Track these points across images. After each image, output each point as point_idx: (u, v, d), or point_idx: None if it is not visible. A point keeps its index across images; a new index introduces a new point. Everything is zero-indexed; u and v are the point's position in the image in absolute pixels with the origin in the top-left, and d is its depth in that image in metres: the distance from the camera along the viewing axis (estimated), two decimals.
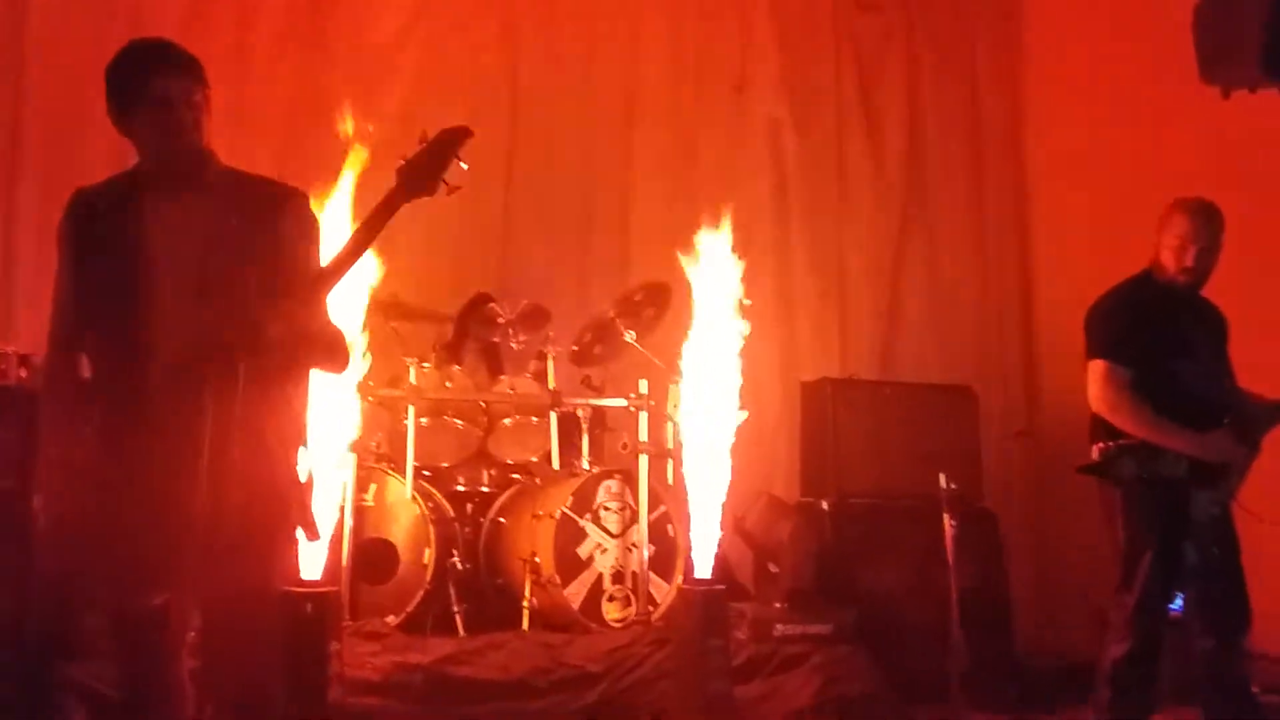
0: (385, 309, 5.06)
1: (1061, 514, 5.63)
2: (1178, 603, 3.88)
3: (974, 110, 6.91)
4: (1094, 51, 6.10)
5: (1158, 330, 3.82)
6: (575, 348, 5.42)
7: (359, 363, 4.63)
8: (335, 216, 4.10)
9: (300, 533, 2.68)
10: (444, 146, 2.58)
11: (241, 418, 2.47)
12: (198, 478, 2.43)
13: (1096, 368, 3.80)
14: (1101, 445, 3.83)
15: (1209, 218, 3.89)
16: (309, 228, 2.75)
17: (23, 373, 4.20)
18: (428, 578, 4.63)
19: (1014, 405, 6.30)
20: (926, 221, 6.79)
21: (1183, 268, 3.86)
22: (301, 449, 2.68)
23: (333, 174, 5.26)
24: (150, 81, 2.60)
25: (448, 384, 5.13)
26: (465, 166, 2.59)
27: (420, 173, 2.56)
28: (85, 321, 2.64)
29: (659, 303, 5.23)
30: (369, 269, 4.65)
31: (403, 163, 2.57)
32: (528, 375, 5.34)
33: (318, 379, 2.83)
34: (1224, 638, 3.83)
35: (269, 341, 2.51)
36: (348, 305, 4.33)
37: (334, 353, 2.73)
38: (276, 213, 2.67)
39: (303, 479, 2.69)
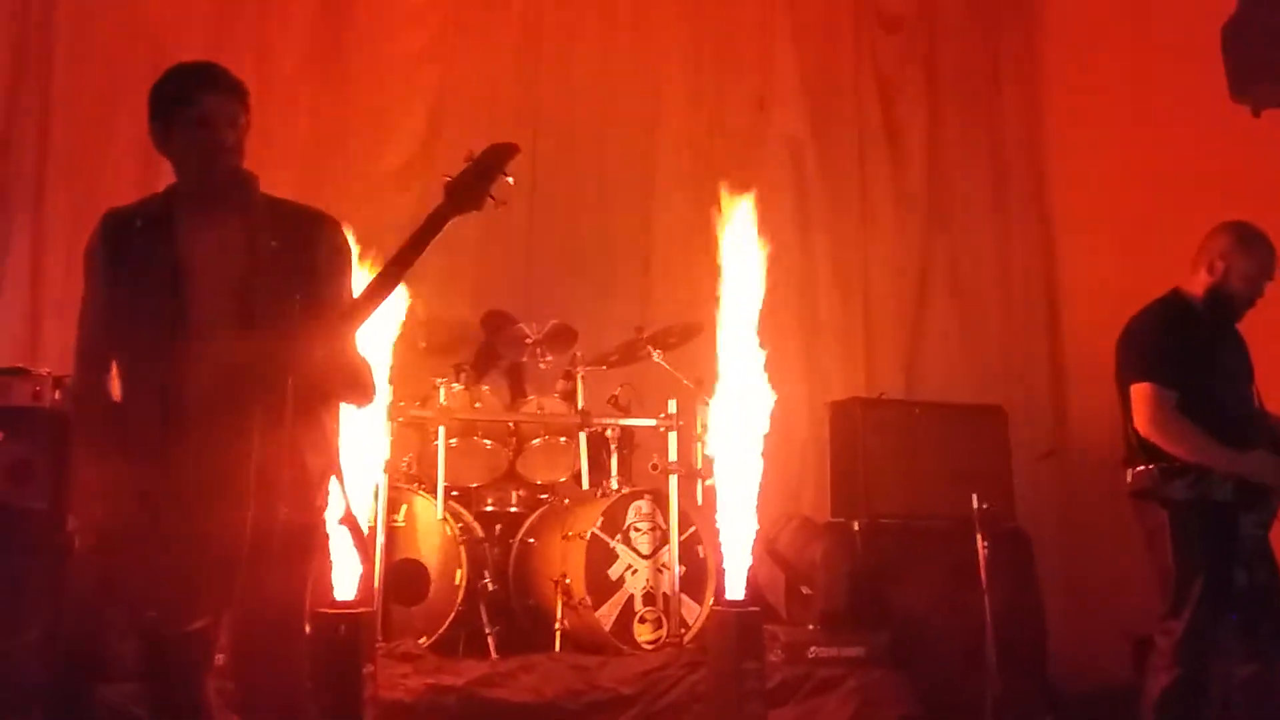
0: (415, 330, 5.05)
1: (1094, 534, 5.56)
2: None
3: (996, 129, 6.90)
4: (1117, 69, 6.08)
5: (1198, 351, 3.78)
6: (604, 368, 5.42)
7: (384, 391, 4.63)
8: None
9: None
10: (491, 162, 2.60)
11: (289, 440, 2.46)
12: (246, 500, 2.41)
13: (1142, 390, 3.73)
14: (1143, 468, 3.77)
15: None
16: (343, 254, 2.75)
17: (56, 394, 4.20)
18: (459, 599, 4.61)
19: (1041, 423, 6.25)
20: (950, 239, 6.78)
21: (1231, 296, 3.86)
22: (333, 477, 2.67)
23: (354, 197, 5.29)
24: (197, 101, 2.59)
25: (477, 404, 5.13)
26: (511, 181, 2.59)
27: (467, 189, 2.58)
28: (116, 342, 2.62)
29: (689, 333, 5.24)
30: (397, 291, 4.64)
31: (449, 179, 2.58)
32: (555, 395, 5.33)
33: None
34: (1267, 662, 3.78)
35: (316, 364, 2.50)
36: (376, 328, 4.34)
37: (362, 384, 2.72)
38: (312, 239, 2.67)
39: (349, 503, 2.68)
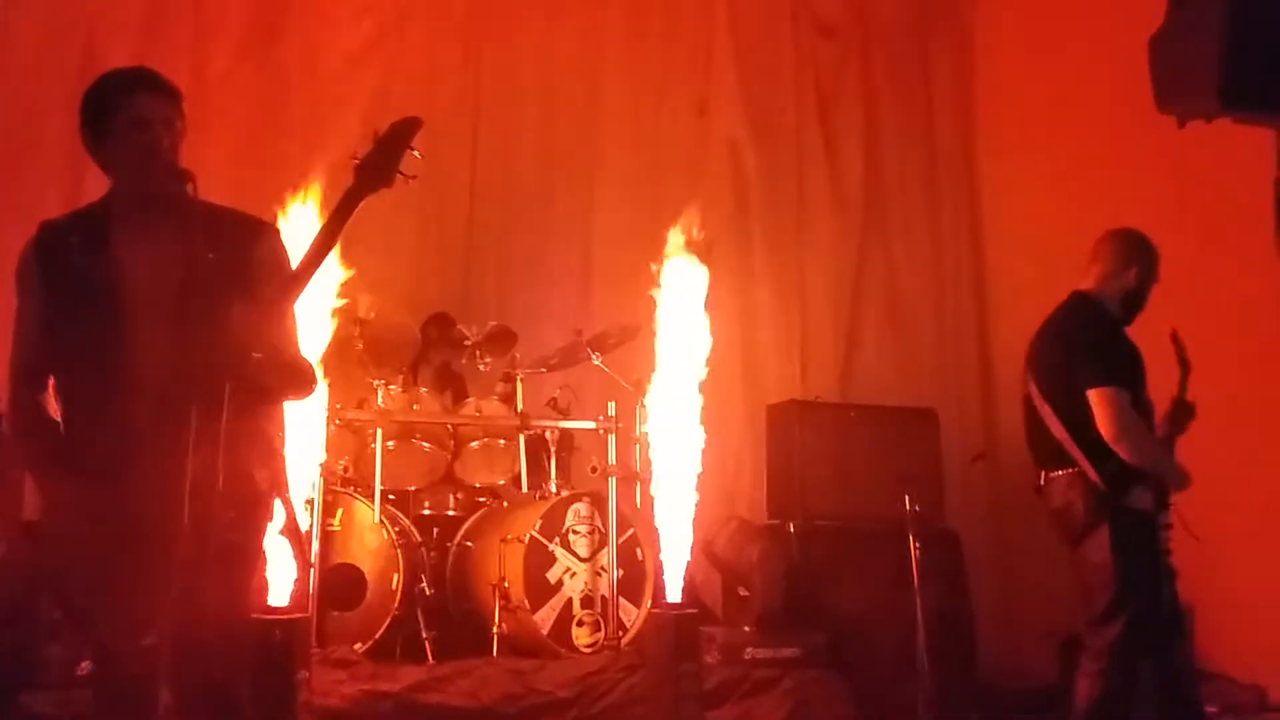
0: (352, 330, 5.01)
1: (1020, 535, 5.69)
2: None
3: (929, 134, 7.02)
4: (1048, 78, 6.21)
5: (1129, 355, 3.85)
6: (544, 370, 5.42)
7: (322, 387, 4.58)
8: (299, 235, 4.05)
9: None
10: (396, 138, 2.60)
11: (226, 443, 2.44)
12: (182, 505, 2.39)
13: (1105, 395, 3.69)
14: (1070, 471, 3.77)
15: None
16: (280, 262, 2.73)
17: None
18: (396, 604, 4.58)
19: (971, 427, 6.37)
20: (885, 243, 6.88)
21: (1141, 300, 3.92)
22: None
23: (289, 195, 5.22)
24: (130, 102, 2.57)
25: (415, 406, 5.10)
26: (419, 155, 2.59)
27: (376, 167, 2.58)
28: (54, 354, 2.58)
29: (627, 336, 5.25)
30: (334, 290, 4.61)
31: (357, 160, 2.58)
32: (494, 397, 5.32)
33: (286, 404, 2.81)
34: (1167, 658, 3.82)
35: (253, 366, 2.48)
36: (314, 326, 4.30)
37: (301, 380, 2.72)
38: (250, 246, 2.65)
39: (292, 514, 2.67)
